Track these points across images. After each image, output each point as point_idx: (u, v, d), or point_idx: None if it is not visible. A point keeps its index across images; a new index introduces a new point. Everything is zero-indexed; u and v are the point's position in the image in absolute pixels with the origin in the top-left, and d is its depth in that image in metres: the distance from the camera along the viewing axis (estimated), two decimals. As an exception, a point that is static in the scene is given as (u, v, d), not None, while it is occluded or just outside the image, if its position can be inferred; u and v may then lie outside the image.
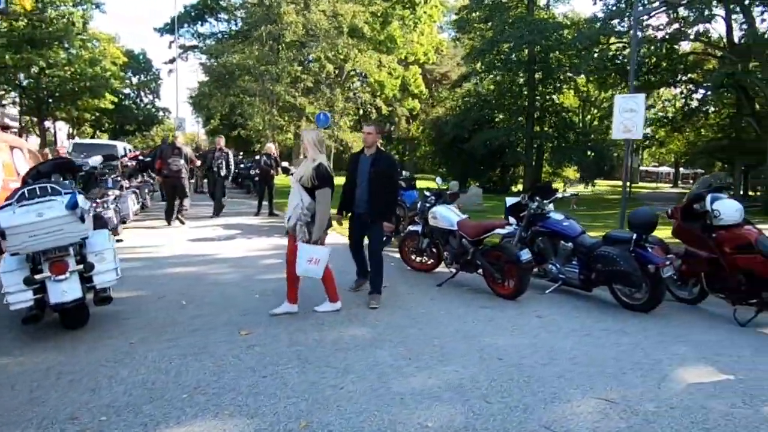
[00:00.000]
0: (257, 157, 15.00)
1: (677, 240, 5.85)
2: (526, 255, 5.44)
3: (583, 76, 25.66)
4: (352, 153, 6.87)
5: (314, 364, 3.73)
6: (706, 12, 21.64)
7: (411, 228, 6.89)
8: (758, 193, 26.46)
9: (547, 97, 27.34)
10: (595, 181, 33.08)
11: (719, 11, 22.59)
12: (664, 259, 5.14)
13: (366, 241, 5.59)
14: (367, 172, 5.18)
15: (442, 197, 6.56)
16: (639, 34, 22.96)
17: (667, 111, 30.12)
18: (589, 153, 26.99)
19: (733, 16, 22.39)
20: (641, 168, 50.09)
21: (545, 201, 6.23)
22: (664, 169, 53.16)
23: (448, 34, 42.41)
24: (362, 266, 5.70)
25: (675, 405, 3.26)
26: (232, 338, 4.19)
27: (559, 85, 27.26)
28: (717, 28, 25.54)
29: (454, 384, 3.47)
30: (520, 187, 26.58)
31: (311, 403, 3.15)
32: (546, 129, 26.69)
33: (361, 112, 33.42)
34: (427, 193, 6.65)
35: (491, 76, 27.61)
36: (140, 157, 12.87)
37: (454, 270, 6.20)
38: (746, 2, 21.52)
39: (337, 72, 29.19)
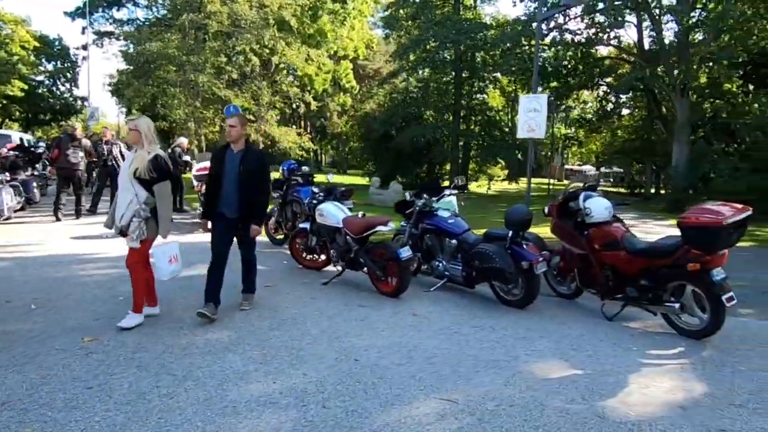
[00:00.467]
0: (169, 151, 14.36)
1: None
2: (405, 252, 5.39)
3: (506, 75, 26.27)
4: (216, 148, 6.22)
5: (153, 371, 3.48)
6: (619, 18, 22.67)
7: (301, 225, 6.71)
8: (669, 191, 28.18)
9: (474, 95, 27.84)
10: (520, 178, 34.02)
11: (632, 18, 23.77)
12: (538, 256, 5.23)
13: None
14: (236, 170, 4.61)
15: (332, 194, 6.43)
16: (558, 37, 23.93)
17: (586, 112, 31.45)
18: (516, 151, 27.72)
19: (644, 24, 23.62)
20: (566, 166, 52.12)
21: (433, 198, 6.22)
22: (587, 167, 55.53)
23: (381, 30, 42.40)
24: (216, 290, 4.59)
25: (515, 403, 3.26)
26: (72, 345, 3.86)
27: (484, 84, 27.81)
28: (631, 35, 26.88)
29: (298, 389, 3.33)
30: (446, 183, 26.90)
31: (130, 415, 2.92)
32: (472, 127, 27.17)
33: (294, 106, 32.90)
34: (316, 190, 6.50)
35: (417, 74, 27.83)
36: (32, 148, 11.95)
37: (340, 268, 6.09)
38: (655, 12, 22.77)
39: (264, 64, 28.52)
